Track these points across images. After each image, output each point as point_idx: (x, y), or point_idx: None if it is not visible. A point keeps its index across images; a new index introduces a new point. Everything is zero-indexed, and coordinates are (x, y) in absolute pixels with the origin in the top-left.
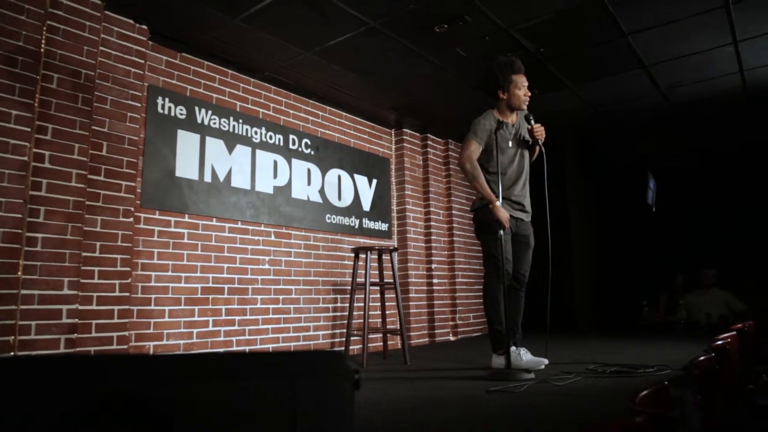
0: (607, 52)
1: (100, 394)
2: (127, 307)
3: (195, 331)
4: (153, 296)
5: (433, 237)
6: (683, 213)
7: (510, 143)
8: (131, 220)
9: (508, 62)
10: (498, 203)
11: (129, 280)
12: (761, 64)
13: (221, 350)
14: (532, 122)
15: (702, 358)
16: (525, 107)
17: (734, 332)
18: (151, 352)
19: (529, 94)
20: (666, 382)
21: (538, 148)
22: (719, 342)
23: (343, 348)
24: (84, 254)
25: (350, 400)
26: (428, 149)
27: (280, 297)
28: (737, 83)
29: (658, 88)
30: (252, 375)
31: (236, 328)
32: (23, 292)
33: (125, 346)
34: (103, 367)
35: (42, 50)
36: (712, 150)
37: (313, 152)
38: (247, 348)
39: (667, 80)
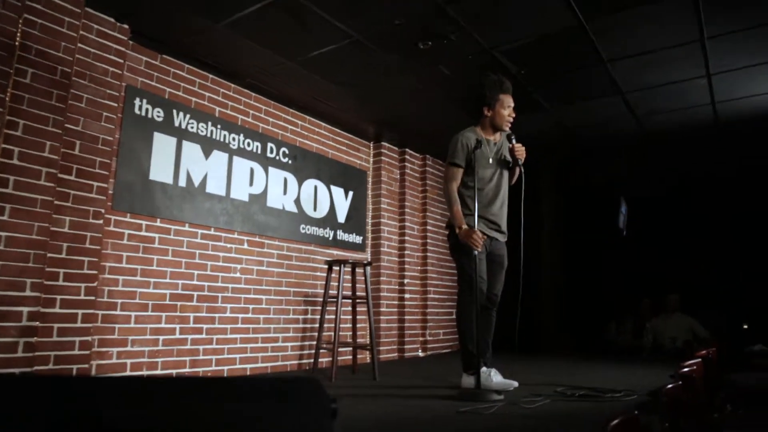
0: (586, 78)
1: (62, 416)
2: (91, 311)
3: (161, 338)
4: (119, 301)
5: (406, 251)
6: (652, 238)
7: (490, 161)
8: (101, 222)
9: (498, 81)
10: (464, 227)
11: (95, 284)
12: (732, 97)
13: (185, 374)
14: (513, 141)
15: (670, 386)
16: (507, 128)
17: (699, 359)
18: (114, 358)
19: (514, 115)
20: (636, 412)
21: (518, 169)
22: (686, 369)
23: (312, 360)
24: (49, 255)
25: (327, 431)
26: (406, 164)
27: (250, 306)
28: (709, 114)
29: (634, 115)
30: (222, 401)
31: (204, 336)
32: None
33: (87, 352)
34: (63, 387)
35: (17, 43)
36: (684, 178)
37: (290, 161)
38: (213, 357)
39: (643, 108)
